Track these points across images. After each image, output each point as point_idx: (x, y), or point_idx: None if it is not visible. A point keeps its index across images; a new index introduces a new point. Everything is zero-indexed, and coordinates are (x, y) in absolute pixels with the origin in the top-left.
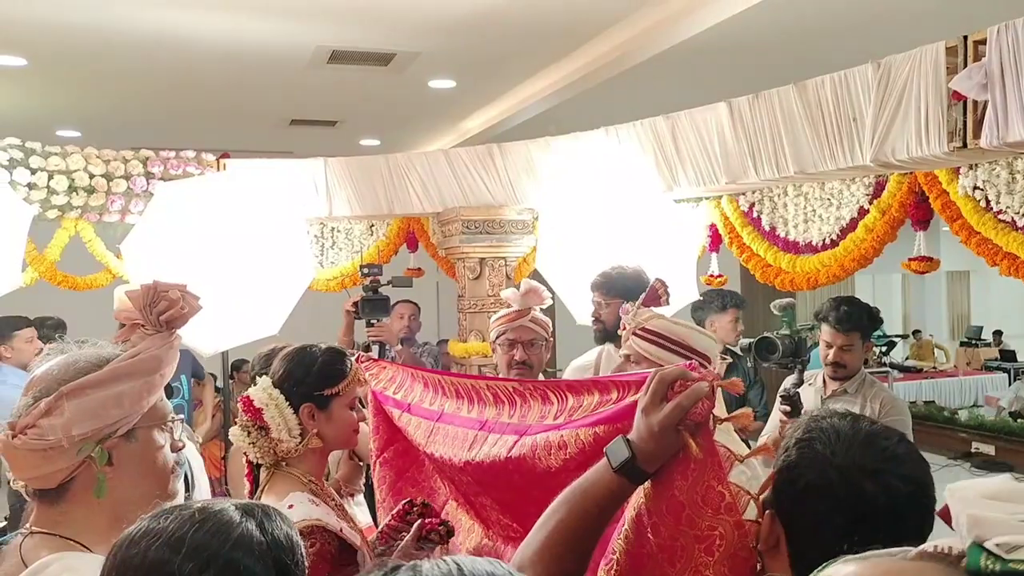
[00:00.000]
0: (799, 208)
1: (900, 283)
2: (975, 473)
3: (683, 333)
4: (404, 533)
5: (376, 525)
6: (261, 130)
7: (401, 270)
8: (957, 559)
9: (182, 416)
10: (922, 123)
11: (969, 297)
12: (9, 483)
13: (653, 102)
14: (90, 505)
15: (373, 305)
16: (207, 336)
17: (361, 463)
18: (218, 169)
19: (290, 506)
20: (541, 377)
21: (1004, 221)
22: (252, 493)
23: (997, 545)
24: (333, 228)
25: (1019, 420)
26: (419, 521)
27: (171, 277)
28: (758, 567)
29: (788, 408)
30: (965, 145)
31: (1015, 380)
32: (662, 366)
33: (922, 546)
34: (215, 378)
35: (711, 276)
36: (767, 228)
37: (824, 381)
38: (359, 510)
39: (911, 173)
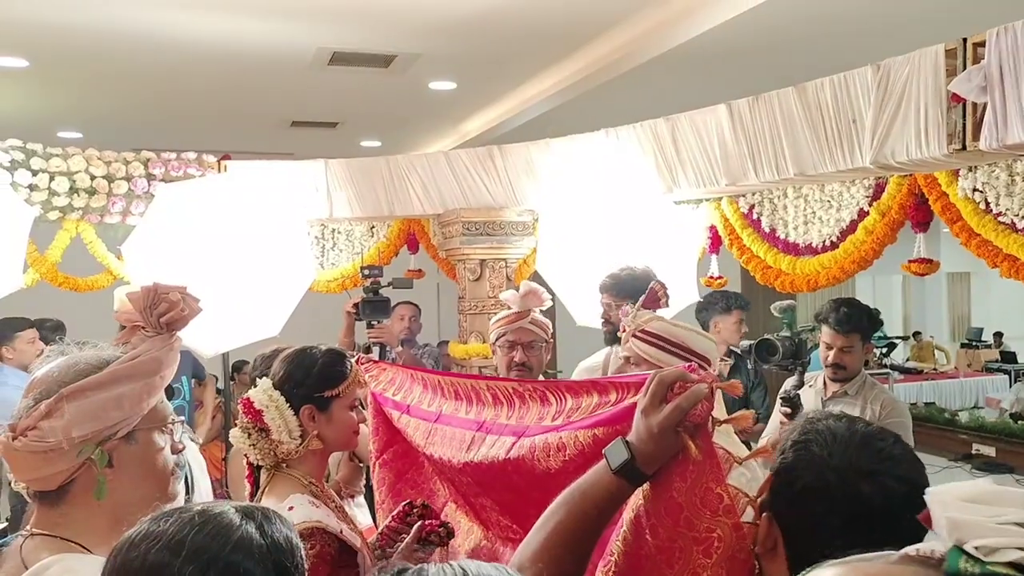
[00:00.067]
0: (799, 210)
1: (900, 285)
2: (976, 475)
3: (683, 335)
4: (404, 535)
5: (376, 526)
6: (262, 131)
7: (402, 271)
8: (938, 562)
9: (183, 418)
10: (921, 125)
11: (969, 299)
12: (10, 485)
13: (653, 104)
14: (90, 507)
15: (374, 306)
16: (208, 337)
17: (361, 464)
18: (219, 170)
19: (290, 508)
20: (541, 379)
21: (1004, 223)
22: (252, 495)
23: (976, 548)
24: (334, 229)
25: (1020, 422)
26: (419, 523)
27: (172, 278)
28: (756, 570)
29: (788, 410)
30: (964, 147)
31: (1016, 382)
32: (661, 368)
33: (904, 549)
34: (216, 379)
35: (711, 278)
36: (767, 230)
37: (824, 383)
38: (359, 511)
39: (911, 175)
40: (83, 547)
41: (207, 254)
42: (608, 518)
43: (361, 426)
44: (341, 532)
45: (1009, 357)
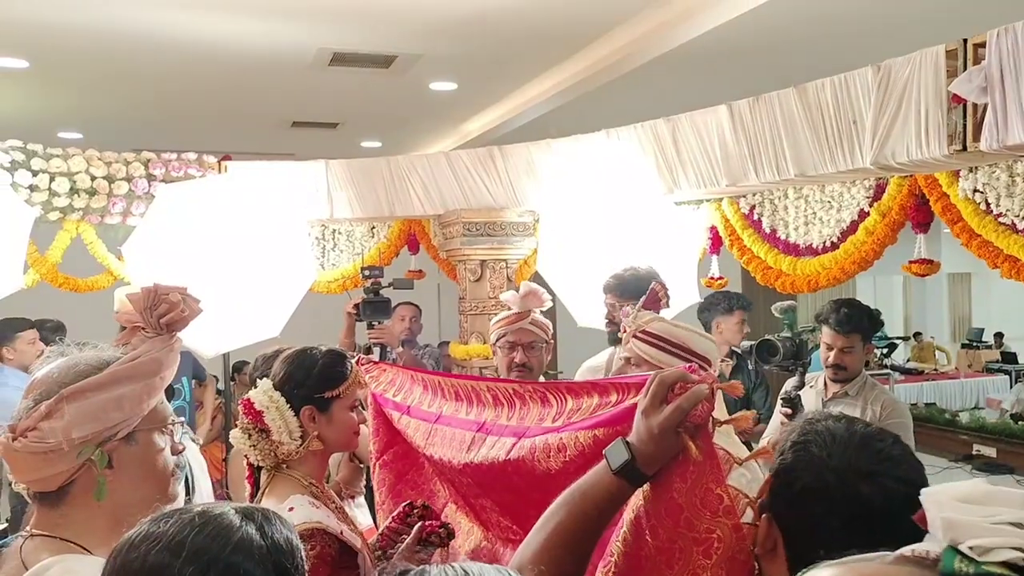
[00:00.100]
0: (799, 210)
1: (901, 285)
2: (976, 476)
3: (683, 336)
4: (405, 535)
5: (376, 527)
6: (263, 132)
7: (402, 272)
8: (933, 563)
9: (183, 419)
10: (922, 126)
11: (970, 299)
12: (11, 485)
13: (654, 105)
14: (90, 508)
15: (374, 307)
16: (208, 338)
17: (362, 465)
18: (220, 171)
19: (291, 508)
20: (541, 379)
21: (1004, 224)
22: (253, 495)
23: (970, 548)
24: (334, 230)
25: (1020, 422)
26: (419, 523)
27: (173, 279)
28: (756, 571)
29: (789, 411)
30: (965, 148)
31: (1016, 382)
32: (662, 369)
33: (900, 550)
34: (216, 380)
35: (712, 278)
36: (768, 230)
37: (825, 384)
38: (360, 512)
39: (911, 176)
40: (83, 548)
41: (208, 255)
42: (608, 519)
43: (361, 427)
44: (341, 533)
45: (1010, 358)
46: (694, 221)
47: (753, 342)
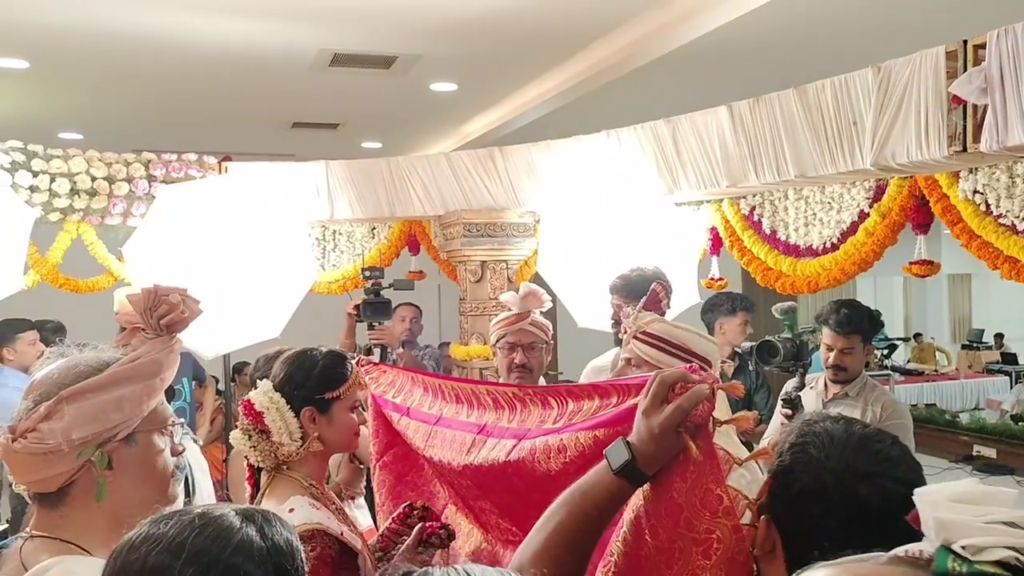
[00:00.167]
0: (800, 211)
1: (901, 286)
2: (977, 476)
3: (684, 337)
4: (405, 536)
5: (377, 528)
6: (263, 133)
7: (402, 273)
8: (927, 562)
9: (183, 420)
10: (922, 127)
11: (970, 300)
12: (11, 486)
13: (654, 106)
14: (90, 509)
15: (374, 308)
16: (209, 339)
17: (362, 466)
18: (220, 172)
19: (291, 510)
20: (542, 380)
21: (1004, 225)
22: (253, 497)
23: (963, 547)
24: (335, 231)
25: (1021, 423)
26: (420, 525)
27: (173, 280)
28: (754, 572)
29: (789, 411)
30: (965, 149)
31: (1016, 383)
32: (662, 370)
33: (894, 551)
34: (216, 381)
35: (712, 279)
36: (768, 231)
37: (825, 384)
38: (360, 513)
39: (911, 177)
40: (83, 549)
41: (208, 255)
42: (609, 519)
43: (361, 428)
44: (342, 534)
45: (1010, 358)
46: (694, 222)
47: (754, 343)
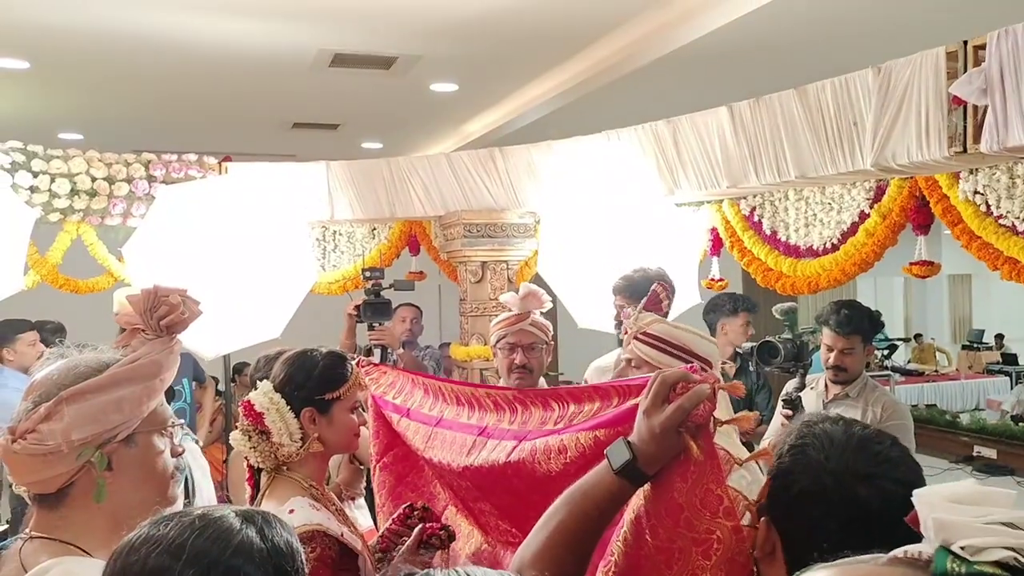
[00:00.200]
0: (800, 212)
1: (902, 286)
2: (977, 477)
3: (684, 337)
4: (405, 537)
5: (377, 529)
6: (263, 133)
7: (403, 273)
8: (926, 563)
9: (183, 420)
10: (922, 128)
11: (971, 300)
12: (11, 487)
13: (654, 106)
14: (90, 510)
15: (375, 308)
16: (209, 339)
17: (362, 467)
18: (220, 172)
19: (291, 511)
20: (542, 380)
21: (1005, 226)
22: (253, 497)
23: (962, 548)
24: (335, 231)
25: (1021, 424)
26: (420, 526)
27: (173, 280)
28: (754, 574)
29: (790, 412)
30: (965, 150)
31: (1017, 383)
32: (663, 370)
33: (893, 552)
34: (217, 381)
35: (712, 280)
36: (768, 232)
37: (826, 385)
38: (360, 514)
39: (912, 177)
40: (82, 550)
41: (208, 256)
42: (609, 519)
43: (362, 428)
44: (342, 535)
45: (1010, 359)
46: (694, 223)
47: (754, 344)
